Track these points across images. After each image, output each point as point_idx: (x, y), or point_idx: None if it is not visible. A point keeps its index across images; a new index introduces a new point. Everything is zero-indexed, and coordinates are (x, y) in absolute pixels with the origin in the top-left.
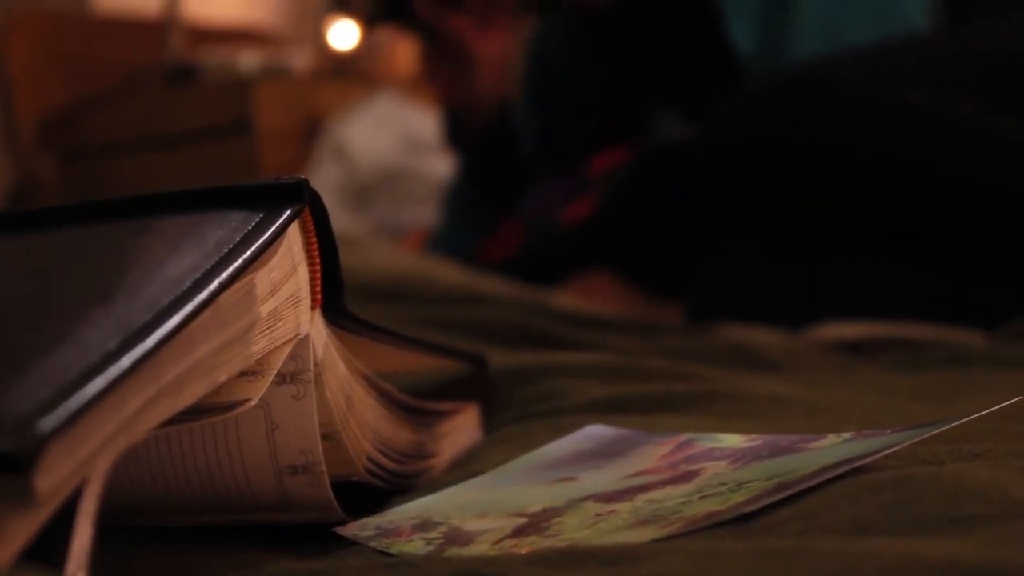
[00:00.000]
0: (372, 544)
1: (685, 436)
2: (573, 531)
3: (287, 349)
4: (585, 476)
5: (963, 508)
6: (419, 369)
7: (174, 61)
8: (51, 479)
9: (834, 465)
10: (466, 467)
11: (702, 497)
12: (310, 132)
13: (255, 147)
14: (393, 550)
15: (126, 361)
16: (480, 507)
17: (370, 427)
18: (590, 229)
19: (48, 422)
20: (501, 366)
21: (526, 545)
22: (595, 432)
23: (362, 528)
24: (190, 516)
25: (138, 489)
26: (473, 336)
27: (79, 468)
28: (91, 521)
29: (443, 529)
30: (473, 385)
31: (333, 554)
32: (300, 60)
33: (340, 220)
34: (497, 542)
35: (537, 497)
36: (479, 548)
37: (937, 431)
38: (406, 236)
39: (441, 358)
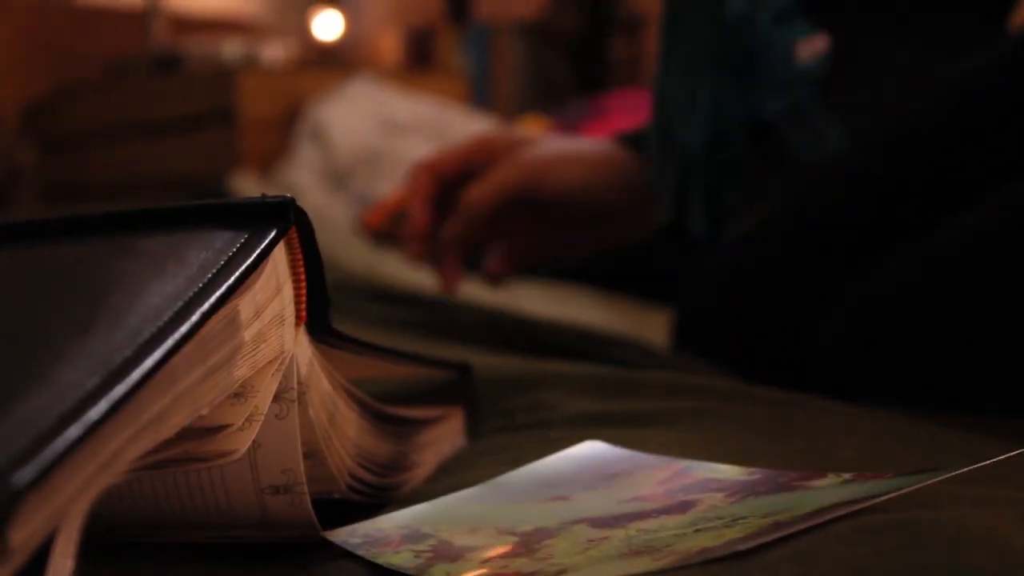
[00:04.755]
0: (360, 552)
1: (683, 464)
2: (564, 556)
3: (272, 374)
4: (579, 497)
5: (964, 557)
6: (403, 376)
7: (157, 50)
8: (26, 531)
9: (832, 507)
10: (450, 477)
11: (697, 530)
12: (292, 121)
13: (237, 136)
14: (380, 561)
15: (104, 404)
16: (471, 522)
17: (352, 442)
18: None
19: (23, 475)
20: (488, 373)
21: (515, 567)
22: (592, 449)
23: (351, 534)
24: (168, 532)
25: (115, 506)
26: (458, 341)
27: (55, 515)
28: (70, 561)
29: (432, 542)
30: (458, 392)
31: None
32: (283, 50)
33: (319, 201)
34: (485, 561)
35: (529, 516)
36: (467, 567)
37: (938, 479)
38: (370, 207)
39: (427, 369)
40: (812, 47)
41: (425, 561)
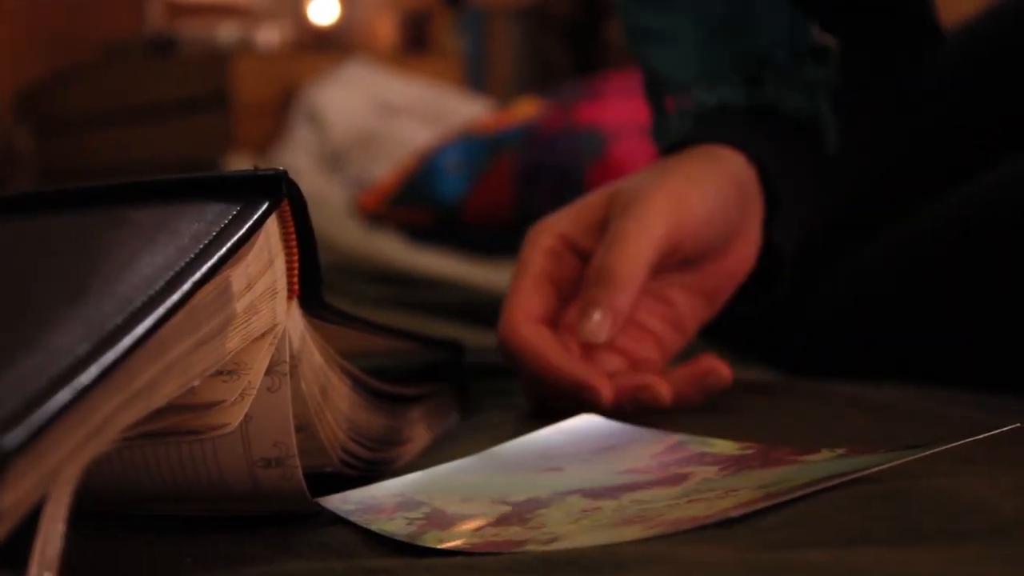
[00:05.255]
0: (353, 519)
1: (678, 437)
2: (556, 525)
3: (265, 348)
4: (573, 468)
5: (956, 522)
6: (396, 352)
7: (153, 34)
8: (15, 493)
9: (826, 478)
10: (442, 452)
11: (689, 501)
12: (288, 105)
13: (233, 120)
14: (373, 527)
15: (95, 369)
16: (465, 491)
17: (345, 416)
18: None
19: (12, 438)
20: (482, 352)
21: (507, 536)
22: (587, 422)
23: (344, 501)
24: (159, 505)
25: (106, 478)
26: (454, 321)
27: (45, 479)
28: (61, 524)
29: (426, 510)
30: (450, 370)
31: (308, 556)
32: (279, 33)
33: (315, 183)
34: (478, 529)
35: (522, 486)
36: (459, 533)
37: (931, 452)
38: (367, 189)
39: (419, 346)
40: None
41: (417, 528)
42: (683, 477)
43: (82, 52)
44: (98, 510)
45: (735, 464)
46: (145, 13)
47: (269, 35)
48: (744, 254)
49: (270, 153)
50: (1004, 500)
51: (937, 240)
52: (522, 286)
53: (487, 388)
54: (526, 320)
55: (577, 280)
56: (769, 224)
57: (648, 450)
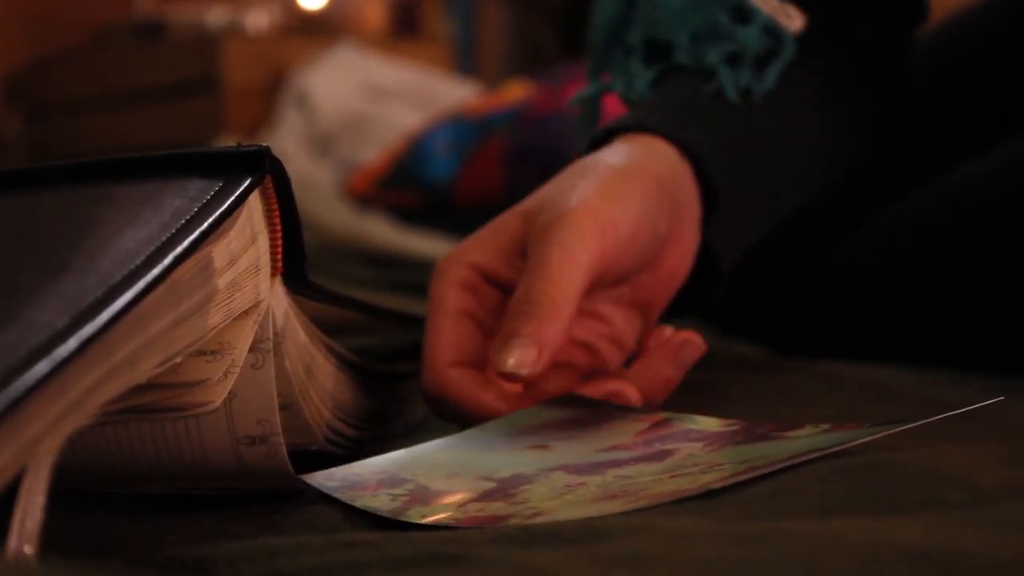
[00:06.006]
0: (337, 495)
1: (663, 415)
2: (540, 500)
3: (249, 327)
4: (558, 445)
5: (935, 493)
6: (382, 329)
7: (142, 18)
8: None
9: (808, 451)
10: (427, 432)
11: (673, 476)
12: (277, 88)
13: (222, 104)
14: (357, 503)
15: (73, 342)
16: (449, 467)
17: (329, 395)
18: None
19: None
20: None
21: (491, 511)
22: (572, 401)
23: (328, 478)
24: (141, 483)
25: (90, 455)
26: None
27: (24, 450)
28: (41, 497)
29: (410, 486)
30: None
31: (291, 533)
32: (268, 17)
33: (304, 167)
34: (462, 505)
35: (507, 462)
36: (443, 509)
37: (915, 425)
38: (357, 172)
39: (405, 326)
40: (789, 18)
41: (401, 504)
42: (667, 453)
43: (71, 36)
44: (81, 487)
45: (719, 440)
46: None
47: (258, 19)
48: (676, 261)
49: (259, 137)
50: (985, 471)
51: (927, 225)
52: (439, 327)
53: None
54: (449, 365)
55: (499, 313)
56: (706, 223)
57: (633, 428)
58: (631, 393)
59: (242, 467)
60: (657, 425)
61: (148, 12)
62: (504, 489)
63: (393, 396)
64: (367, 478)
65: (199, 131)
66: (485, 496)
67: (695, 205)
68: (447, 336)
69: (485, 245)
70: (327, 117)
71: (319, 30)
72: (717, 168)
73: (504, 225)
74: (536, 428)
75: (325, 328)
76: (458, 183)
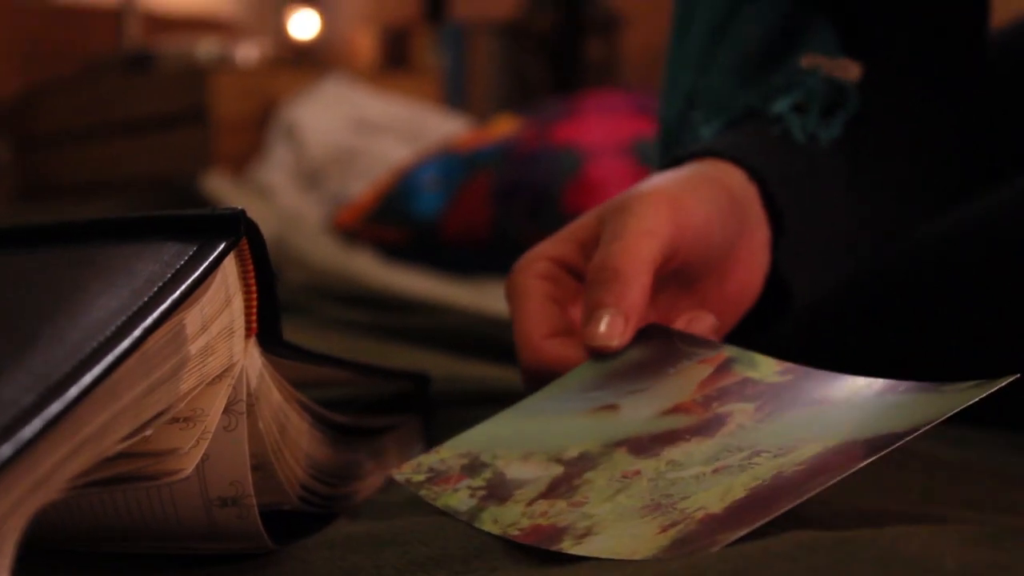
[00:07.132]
0: (422, 493)
1: (726, 353)
2: (596, 503)
3: (222, 392)
4: (626, 405)
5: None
6: (360, 382)
7: (132, 49)
8: None
9: (840, 445)
10: (403, 487)
11: (715, 471)
12: (266, 121)
13: (211, 136)
14: (439, 503)
15: (39, 422)
16: (525, 443)
17: (304, 453)
18: None
19: None
20: (448, 383)
21: (552, 516)
22: (651, 334)
23: (417, 470)
24: (112, 544)
25: (59, 516)
26: (428, 345)
27: None
28: (6, 572)
29: (487, 474)
30: (415, 401)
31: None
32: (258, 49)
33: (292, 200)
34: (530, 504)
35: (577, 435)
36: (513, 513)
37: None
38: (345, 206)
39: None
40: (845, 71)
41: (479, 502)
42: (720, 422)
43: (60, 67)
44: (49, 546)
45: (771, 399)
46: (123, 28)
47: (248, 51)
48: (745, 278)
49: (247, 169)
50: (948, 552)
51: (939, 247)
52: (526, 310)
53: (452, 419)
54: (544, 338)
55: (580, 300)
56: (775, 248)
57: (698, 374)
58: (707, 319)
59: (214, 528)
60: (719, 370)
61: (138, 44)
62: (569, 479)
63: (372, 449)
64: (451, 464)
65: (187, 163)
66: (552, 490)
67: (763, 227)
68: (536, 316)
69: (563, 241)
70: (316, 150)
71: (309, 62)
72: (782, 195)
73: (580, 223)
74: (608, 378)
75: (300, 384)
76: (445, 219)
